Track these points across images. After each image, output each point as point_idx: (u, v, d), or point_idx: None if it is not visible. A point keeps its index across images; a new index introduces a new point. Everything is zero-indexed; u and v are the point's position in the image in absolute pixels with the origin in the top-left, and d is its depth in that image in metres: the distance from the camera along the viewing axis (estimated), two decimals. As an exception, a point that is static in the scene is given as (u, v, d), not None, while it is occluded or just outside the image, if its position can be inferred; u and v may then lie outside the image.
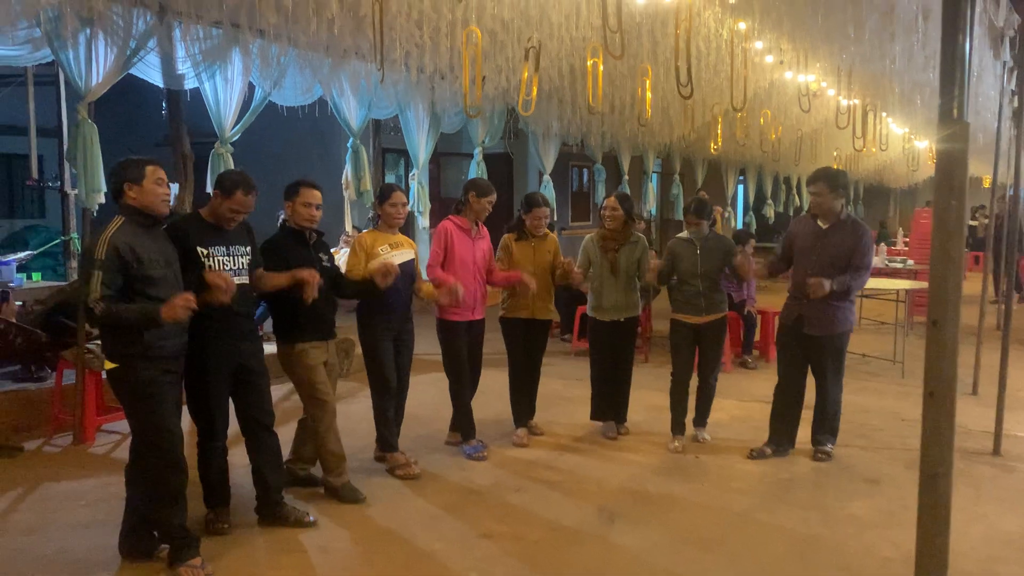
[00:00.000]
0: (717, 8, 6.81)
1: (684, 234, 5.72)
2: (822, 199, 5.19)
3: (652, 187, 14.20)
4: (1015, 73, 6.13)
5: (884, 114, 12.65)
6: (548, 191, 11.22)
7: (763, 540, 4.19)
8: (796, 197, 20.49)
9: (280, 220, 4.56)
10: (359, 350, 5.61)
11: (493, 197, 5.35)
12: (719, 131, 10.52)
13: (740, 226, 18.87)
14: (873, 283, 9.01)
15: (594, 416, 5.95)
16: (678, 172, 15.28)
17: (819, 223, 5.26)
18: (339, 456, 4.58)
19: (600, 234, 5.76)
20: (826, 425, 5.45)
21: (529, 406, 5.82)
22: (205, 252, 3.83)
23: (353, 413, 6.16)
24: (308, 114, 7.54)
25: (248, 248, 4.05)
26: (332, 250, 5.00)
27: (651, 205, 14.24)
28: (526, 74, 6.84)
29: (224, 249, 3.90)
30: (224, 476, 4.14)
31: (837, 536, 4.23)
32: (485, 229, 5.50)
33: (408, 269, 4.95)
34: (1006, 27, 5.12)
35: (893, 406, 6.82)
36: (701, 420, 5.82)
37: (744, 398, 7.00)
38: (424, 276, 5.30)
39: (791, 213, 19.86)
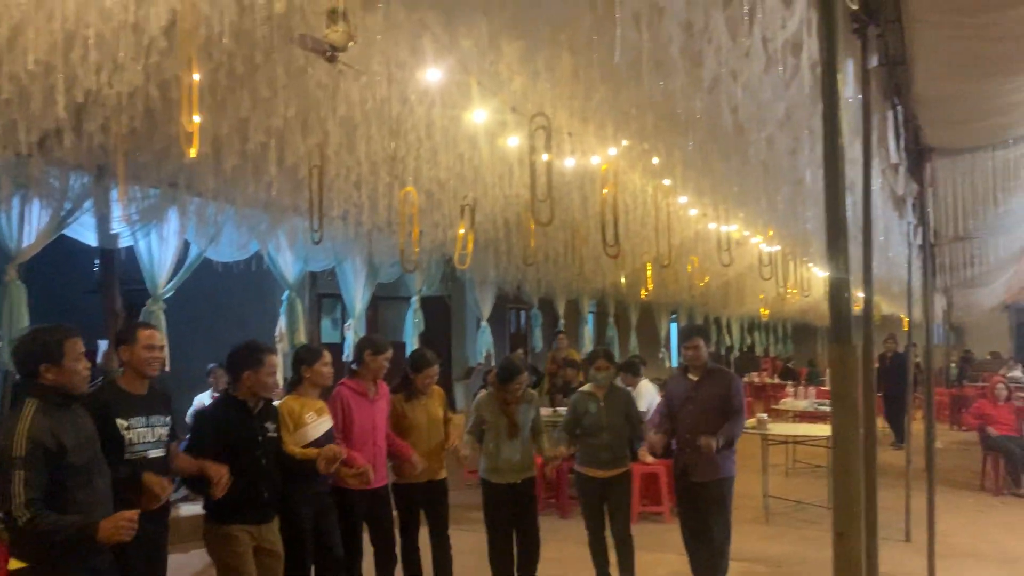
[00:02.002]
0: (639, 170, 7.21)
1: (587, 387, 5.80)
2: (698, 352, 5.52)
3: (588, 330, 14.45)
4: (919, 230, 6.57)
5: (805, 259, 13.28)
6: (485, 337, 11.35)
7: None
8: (727, 336, 21.04)
9: (219, 388, 4.29)
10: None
11: (390, 353, 5.13)
12: (648, 279, 10.89)
13: (675, 363, 19.16)
14: (803, 429, 9.20)
15: None
16: (613, 314, 15.62)
17: (690, 376, 5.55)
18: None
19: (497, 396, 5.54)
20: (720, 568, 5.49)
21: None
22: (125, 425, 3.59)
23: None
24: (244, 267, 7.60)
25: (168, 419, 3.81)
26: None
27: (587, 348, 14.43)
28: (462, 230, 7.07)
29: (144, 420, 3.67)
30: None
31: None
32: (384, 387, 5.22)
33: (330, 438, 4.67)
34: (906, 194, 5.55)
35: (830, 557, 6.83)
36: None
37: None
38: None
39: (722, 351, 20.32)
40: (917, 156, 5.16)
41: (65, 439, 3.07)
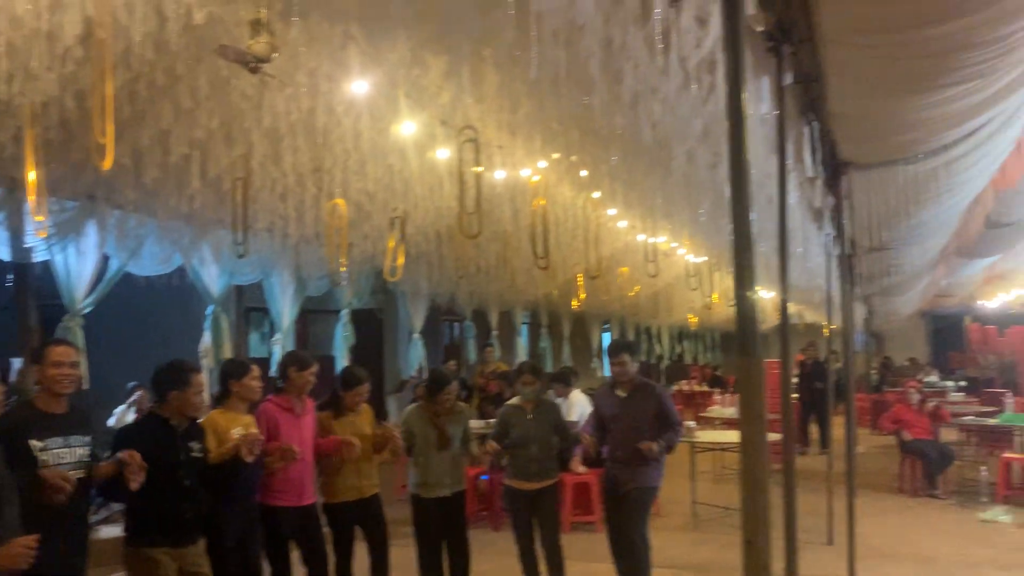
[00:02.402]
0: (569, 183, 7.29)
1: (515, 400, 5.83)
2: (625, 368, 5.59)
3: (522, 341, 14.50)
4: (837, 241, 6.79)
5: (730, 270, 13.59)
6: (417, 349, 11.28)
7: None
8: (658, 346, 21.36)
9: (135, 406, 4.17)
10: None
11: (315, 368, 5.05)
12: (580, 289, 11.00)
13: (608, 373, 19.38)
14: (731, 436, 9.38)
15: None
16: (546, 325, 15.71)
17: (617, 392, 5.63)
18: None
19: (426, 409, 5.54)
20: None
21: None
22: (40, 446, 3.42)
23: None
24: (167, 281, 7.41)
25: (88, 439, 3.67)
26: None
27: (521, 359, 14.50)
28: (392, 243, 7.03)
29: (61, 440, 3.51)
30: None
31: None
32: (311, 403, 5.14)
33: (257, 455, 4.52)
34: (824, 206, 5.74)
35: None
36: None
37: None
38: None
39: (652, 360, 20.62)
40: (834, 170, 5.33)
41: None
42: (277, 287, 8.79)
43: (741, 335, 1.92)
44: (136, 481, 3.70)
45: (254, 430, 4.59)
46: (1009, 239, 11.27)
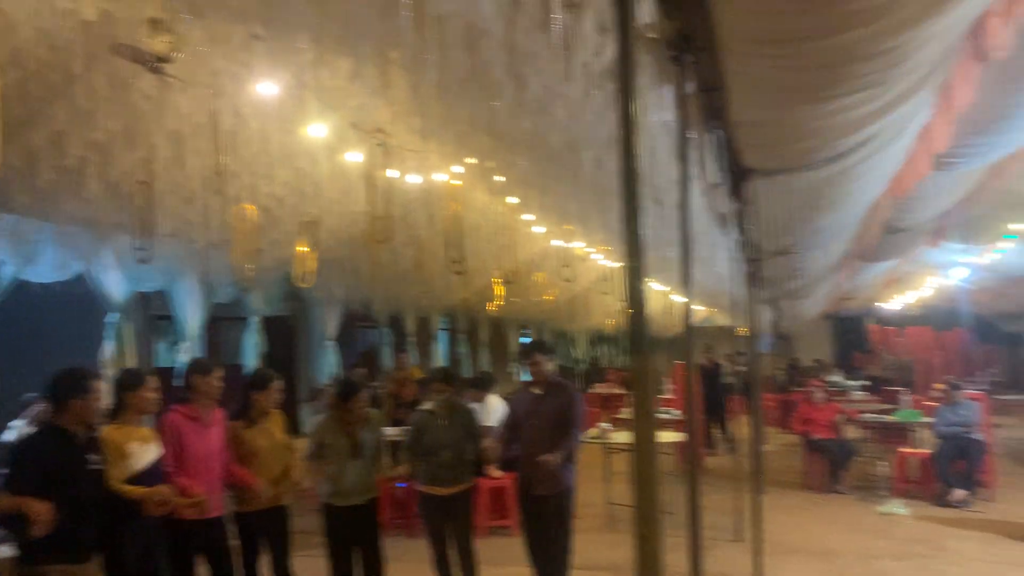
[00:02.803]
0: (485, 187, 7.31)
1: (427, 405, 5.82)
2: (539, 367, 5.65)
3: (439, 347, 14.45)
4: (742, 245, 7.00)
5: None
6: (331, 356, 11.12)
7: None
8: (574, 349, 21.60)
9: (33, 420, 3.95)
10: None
11: (220, 372, 4.91)
12: (497, 295, 11.05)
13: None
14: (644, 436, 9.53)
15: None
16: (464, 331, 15.70)
17: (533, 390, 5.67)
18: None
19: (337, 416, 5.43)
20: None
21: None
22: None
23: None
24: (66, 288, 7.12)
25: None
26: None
27: (439, 364, 14.45)
28: (301, 248, 6.91)
29: None
30: None
31: None
32: (220, 412, 4.98)
33: (158, 468, 4.41)
34: (729, 212, 5.89)
35: (669, 559, 7.09)
36: None
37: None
38: None
39: (570, 365, 20.83)
40: (737, 176, 5.48)
41: None
42: (183, 294, 8.52)
43: (633, 334, 1.96)
44: (41, 532, 3.55)
45: (153, 443, 4.44)
46: (906, 244, 11.79)
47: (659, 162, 4.42)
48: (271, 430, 5.16)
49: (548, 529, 5.59)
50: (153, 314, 9.79)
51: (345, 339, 12.89)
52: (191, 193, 5.96)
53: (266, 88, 4.36)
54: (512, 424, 5.81)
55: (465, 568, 5.67)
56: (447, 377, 5.81)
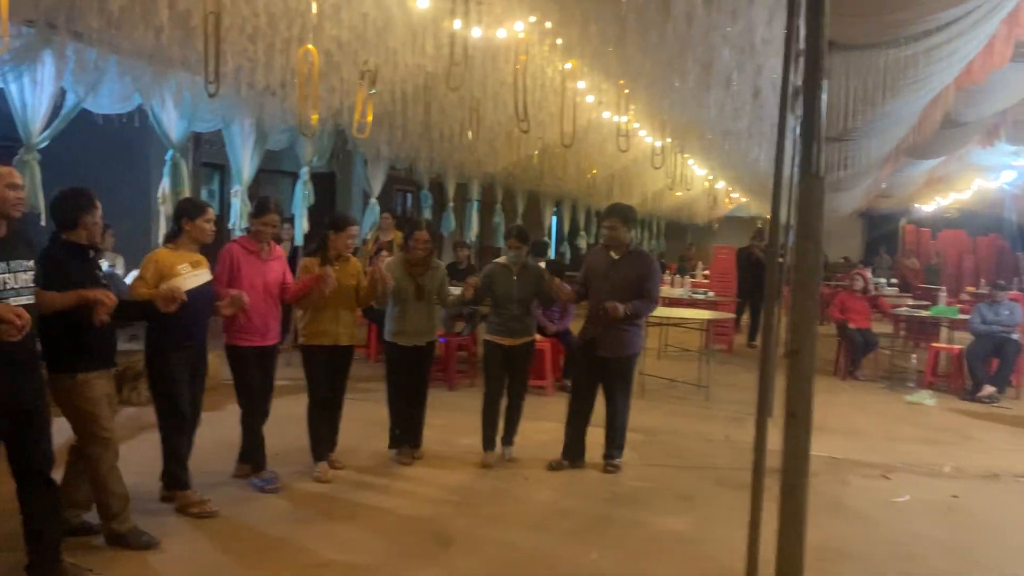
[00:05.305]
0: (546, 48, 7.14)
1: (502, 259, 5.95)
2: (615, 232, 5.70)
3: (474, 214, 14.45)
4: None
5: (686, 156, 13.65)
6: (373, 214, 11.17)
7: (592, 555, 4.39)
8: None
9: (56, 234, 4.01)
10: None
11: (273, 217, 5.10)
12: (541, 163, 10.96)
13: (554, 255, 19.56)
14: (678, 312, 9.68)
15: (393, 444, 5.85)
16: (500, 202, 15.67)
17: (611, 254, 5.74)
18: (124, 498, 4.11)
19: (406, 259, 5.70)
20: (616, 440, 5.90)
21: (331, 439, 5.55)
22: None
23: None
24: (113, 123, 7.13)
25: (32, 263, 3.53)
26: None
27: (474, 232, 14.49)
28: (361, 96, 6.85)
29: (4, 266, 3.37)
30: None
31: (660, 551, 4.50)
32: (279, 249, 5.27)
33: (208, 292, 4.63)
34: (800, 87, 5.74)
35: (700, 428, 7.33)
36: (509, 439, 6.00)
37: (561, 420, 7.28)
38: None
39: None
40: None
41: None
42: (238, 137, 8.50)
43: (803, 219, 1.97)
44: (103, 319, 3.72)
45: (204, 269, 4.64)
46: (958, 140, 11.54)
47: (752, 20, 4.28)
48: (342, 273, 5.33)
49: (611, 391, 5.79)
50: (201, 161, 9.81)
51: (383, 201, 12.94)
52: (256, 30, 5.86)
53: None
54: (583, 280, 5.89)
55: (511, 414, 5.95)
56: (521, 235, 5.90)
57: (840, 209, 19.80)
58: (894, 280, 18.09)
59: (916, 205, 23.64)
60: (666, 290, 12.39)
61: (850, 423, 7.76)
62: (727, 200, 22.77)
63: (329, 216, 5.50)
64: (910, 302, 12.72)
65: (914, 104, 7.82)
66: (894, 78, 5.81)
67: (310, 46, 6.02)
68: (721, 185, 19.13)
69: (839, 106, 6.67)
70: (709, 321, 9.29)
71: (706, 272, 15.33)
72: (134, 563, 4.00)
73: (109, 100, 6.58)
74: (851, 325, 10.12)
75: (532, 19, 6.61)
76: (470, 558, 4.27)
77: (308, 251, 5.33)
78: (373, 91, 6.69)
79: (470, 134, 8.92)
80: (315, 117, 6.14)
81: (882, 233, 26.66)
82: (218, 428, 5.78)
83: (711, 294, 12.35)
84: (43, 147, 6.27)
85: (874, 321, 10.77)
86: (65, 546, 3.81)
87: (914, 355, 10.21)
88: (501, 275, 5.83)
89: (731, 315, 11.52)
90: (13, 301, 3.34)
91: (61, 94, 6.23)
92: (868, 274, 12.10)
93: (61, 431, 3.89)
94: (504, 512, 4.97)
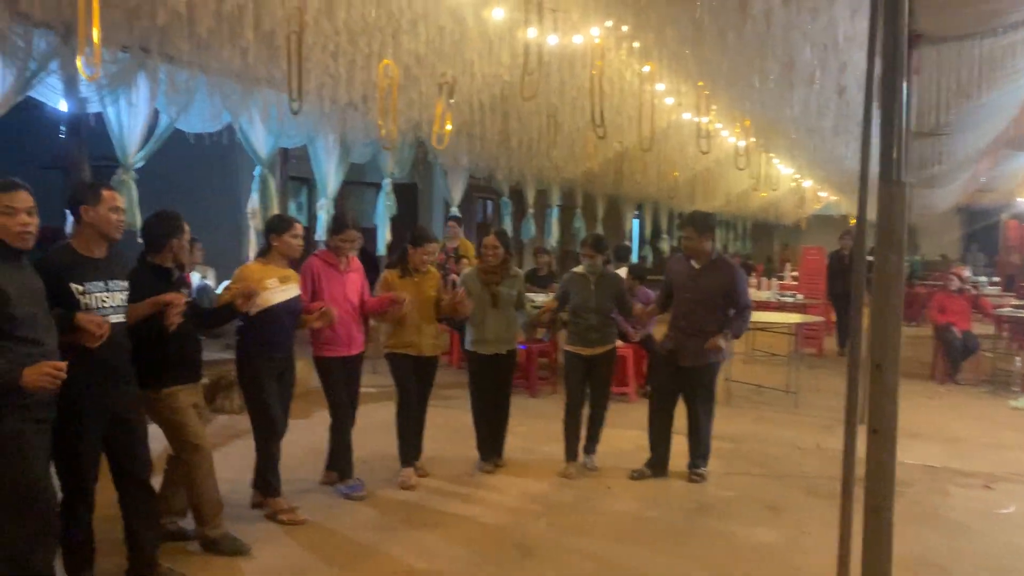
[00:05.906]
0: (623, 52, 7.09)
1: (579, 269, 5.91)
2: (692, 242, 5.60)
3: (555, 220, 14.42)
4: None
5: (771, 155, 13.34)
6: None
7: (676, 567, 4.31)
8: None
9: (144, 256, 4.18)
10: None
11: (351, 233, 5.22)
12: (621, 167, 10.87)
13: (636, 259, 19.36)
14: (766, 316, 9.44)
15: (481, 451, 5.87)
16: (580, 206, 15.61)
17: (693, 263, 5.63)
18: (217, 505, 4.26)
19: (481, 268, 5.75)
20: (700, 449, 5.79)
21: (416, 446, 5.59)
22: (81, 289, 3.44)
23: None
24: (204, 141, 7.39)
25: (127, 283, 3.69)
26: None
27: (554, 238, 14.47)
28: (440, 108, 6.94)
29: (102, 285, 3.52)
30: (90, 538, 3.71)
31: (746, 563, 4.39)
32: (357, 261, 5.37)
33: (295, 305, 4.79)
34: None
35: (788, 435, 7.13)
36: (591, 447, 5.96)
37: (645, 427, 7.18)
38: None
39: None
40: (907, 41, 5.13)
41: (8, 288, 3.03)
42: (322, 152, 8.73)
43: (884, 226, 1.89)
44: (175, 320, 3.84)
45: (293, 284, 4.81)
46: (1065, 131, 10.93)
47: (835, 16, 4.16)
48: (422, 285, 5.44)
49: (692, 401, 5.72)
50: (288, 176, 10.11)
51: (464, 209, 13.05)
52: (337, 48, 6.01)
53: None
54: (666, 289, 5.82)
55: (593, 422, 5.92)
56: (596, 243, 5.85)
57: (935, 206, 19.04)
58: (996, 278, 17.25)
59: (1020, 199, 22.48)
60: (753, 293, 12.12)
61: (949, 430, 7.43)
62: (815, 199, 22.13)
63: (411, 230, 5.58)
64: (1014, 302, 12.11)
65: (1014, 95, 7.45)
66: (991, 69, 5.55)
67: (389, 60, 6.15)
68: (808, 184, 18.62)
69: (931, 100, 6.42)
70: (798, 324, 9.05)
71: (794, 274, 14.89)
72: (225, 568, 4.13)
73: (200, 119, 6.82)
74: (955, 328, 9.65)
75: (608, 24, 6.59)
76: (551, 568, 4.25)
77: (389, 263, 5.43)
78: (452, 102, 6.75)
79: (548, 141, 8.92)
80: (394, 128, 6.22)
81: (979, 229, 25.45)
82: (307, 435, 5.95)
83: (800, 297, 11.99)
84: (139, 167, 6.56)
85: (975, 322, 10.28)
86: (161, 551, 3.96)
87: (1018, 357, 9.70)
88: (579, 284, 5.80)
89: (820, 318, 11.09)
90: (112, 319, 3.50)
91: (155, 115, 6.51)
92: (965, 272, 11.54)
93: (155, 437, 4.04)
94: (586, 522, 4.94)
